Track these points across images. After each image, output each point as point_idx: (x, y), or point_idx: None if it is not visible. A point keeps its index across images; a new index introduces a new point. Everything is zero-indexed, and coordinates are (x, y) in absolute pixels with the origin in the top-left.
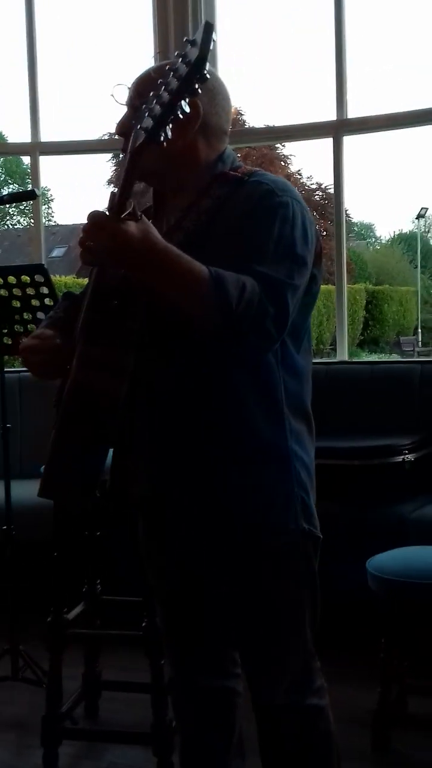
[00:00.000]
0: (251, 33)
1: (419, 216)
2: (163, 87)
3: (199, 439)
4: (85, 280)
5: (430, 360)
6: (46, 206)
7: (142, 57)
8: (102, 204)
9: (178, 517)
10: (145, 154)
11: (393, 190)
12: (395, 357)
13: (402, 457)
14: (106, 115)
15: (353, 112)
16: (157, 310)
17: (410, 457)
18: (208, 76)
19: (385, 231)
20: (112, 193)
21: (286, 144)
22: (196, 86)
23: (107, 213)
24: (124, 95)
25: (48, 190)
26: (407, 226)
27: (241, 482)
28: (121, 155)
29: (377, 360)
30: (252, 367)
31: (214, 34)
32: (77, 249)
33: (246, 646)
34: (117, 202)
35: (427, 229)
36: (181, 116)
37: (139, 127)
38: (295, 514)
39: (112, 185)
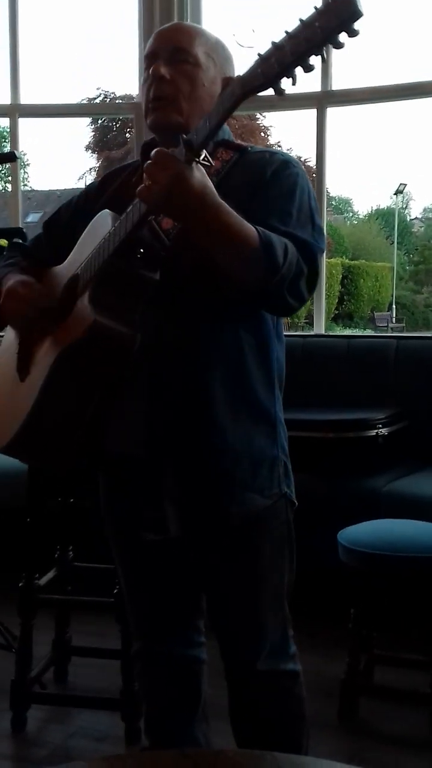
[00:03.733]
0: (236, 5)
1: (397, 192)
2: (302, 33)
3: (198, 400)
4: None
5: (406, 335)
6: (23, 171)
7: (126, 22)
8: (78, 169)
9: (166, 476)
10: (184, 109)
11: (372, 165)
12: (369, 332)
13: (376, 431)
14: (85, 80)
15: (337, 84)
16: (176, 266)
17: (384, 431)
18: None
19: (362, 206)
20: (183, 137)
21: (267, 115)
22: (322, 51)
23: (177, 152)
24: (248, 39)
25: (24, 155)
26: (385, 201)
27: (233, 443)
28: (99, 121)
29: (354, 334)
30: (255, 332)
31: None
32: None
33: (227, 612)
34: (199, 144)
35: (404, 205)
36: (306, 70)
37: (259, 70)
38: (279, 478)
39: (90, 151)
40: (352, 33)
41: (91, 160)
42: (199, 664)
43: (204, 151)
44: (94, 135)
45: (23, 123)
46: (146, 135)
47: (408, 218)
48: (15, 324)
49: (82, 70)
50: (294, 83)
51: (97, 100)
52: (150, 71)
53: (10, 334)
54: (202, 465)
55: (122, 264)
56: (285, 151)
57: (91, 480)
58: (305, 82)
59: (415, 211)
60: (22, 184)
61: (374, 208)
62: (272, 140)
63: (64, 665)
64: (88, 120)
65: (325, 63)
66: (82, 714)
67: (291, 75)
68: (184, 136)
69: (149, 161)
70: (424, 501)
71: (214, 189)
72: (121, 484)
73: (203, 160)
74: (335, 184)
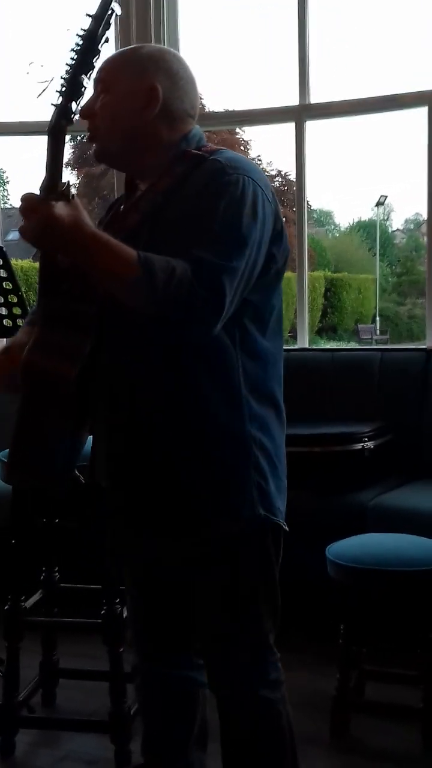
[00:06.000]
0: (213, 16)
1: (378, 204)
2: (68, 63)
3: (154, 425)
4: None
5: (390, 348)
6: (2, 188)
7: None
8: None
9: (137, 504)
10: (106, 137)
11: (352, 178)
12: (353, 345)
13: (362, 444)
14: None
15: (316, 97)
16: (100, 297)
17: (370, 444)
18: (101, 49)
19: (344, 218)
20: (45, 175)
21: (246, 130)
22: (94, 60)
23: (37, 194)
24: (38, 72)
25: (3, 172)
26: (366, 213)
27: (195, 466)
28: (79, 137)
29: (338, 347)
30: (207, 351)
31: (114, 5)
32: None
33: (200, 635)
34: (47, 183)
35: (386, 217)
36: (82, 91)
37: (54, 104)
38: (251, 500)
39: (70, 168)
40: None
41: (72, 177)
42: (197, 686)
43: (65, 184)
44: (73, 152)
45: (1, 141)
46: None
47: (390, 230)
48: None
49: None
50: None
51: (76, 117)
52: None
53: None
54: (162, 494)
55: (52, 301)
56: (241, 155)
57: (76, 501)
58: (283, 96)
59: (396, 223)
60: (1, 201)
61: (356, 220)
62: (252, 154)
63: (51, 688)
64: (67, 137)
65: (303, 77)
66: (71, 737)
67: (73, 100)
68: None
69: (21, 204)
70: (411, 514)
71: (86, 221)
72: (110, 509)
73: (61, 195)
74: (316, 197)
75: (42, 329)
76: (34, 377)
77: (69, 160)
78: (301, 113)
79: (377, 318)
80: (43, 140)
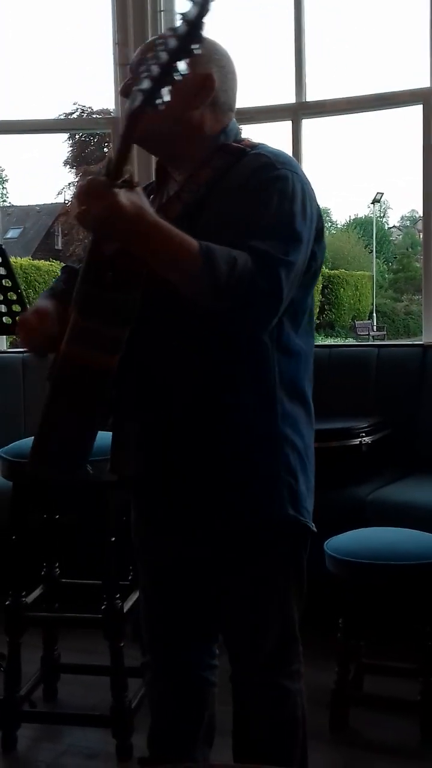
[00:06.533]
0: (210, 14)
1: (375, 201)
2: (162, 47)
3: (188, 420)
4: (41, 263)
5: (387, 344)
6: (1, 186)
7: (101, 36)
8: (57, 185)
9: (166, 499)
10: (153, 118)
11: (349, 175)
12: (350, 341)
13: (359, 439)
14: (61, 95)
15: (312, 95)
16: (151, 284)
17: (367, 439)
18: (204, 37)
19: (340, 216)
20: (108, 158)
21: (243, 127)
22: (193, 47)
23: (103, 179)
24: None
25: (2, 170)
26: (363, 210)
27: (226, 464)
28: (77, 136)
29: (335, 344)
30: (245, 347)
31: None
32: (32, 230)
33: (228, 626)
34: (114, 168)
35: (382, 214)
36: (177, 78)
37: (137, 89)
38: (281, 500)
39: (68, 166)
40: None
41: (70, 176)
42: (208, 686)
43: (128, 170)
44: (72, 150)
45: (0, 139)
46: None
47: (386, 227)
48: (29, 349)
49: (58, 85)
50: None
51: (74, 115)
52: None
53: None
54: (193, 487)
55: (93, 290)
56: (283, 151)
57: (77, 496)
58: (280, 94)
59: (393, 220)
60: (1, 199)
61: (352, 217)
62: None
63: (53, 683)
64: (65, 135)
65: (300, 75)
66: (73, 731)
67: (162, 86)
68: (110, 161)
69: (80, 189)
70: (408, 508)
71: (148, 208)
72: (139, 502)
73: (125, 181)
74: None
75: (80, 318)
76: (75, 368)
77: (67, 158)
78: (298, 111)
79: (374, 314)
80: (41, 139)
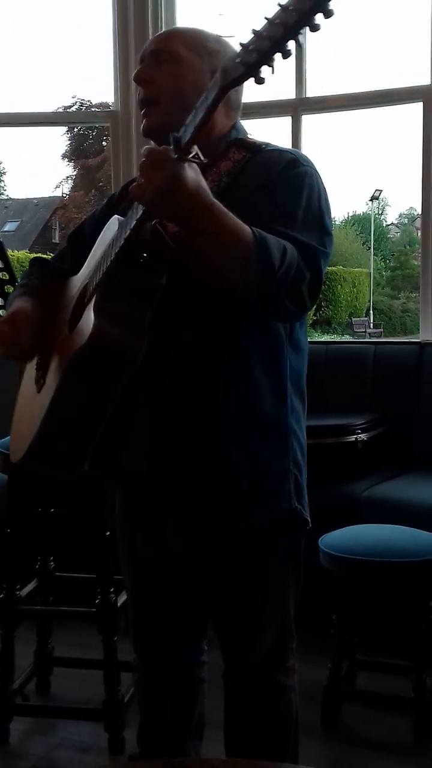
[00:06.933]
0: (210, 10)
1: (373, 198)
2: (278, 19)
3: (200, 411)
4: (39, 255)
5: (384, 341)
6: None
7: (100, 29)
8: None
9: (168, 491)
10: (170, 108)
11: (348, 172)
12: (347, 338)
13: (355, 436)
14: (60, 88)
15: (312, 91)
16: (181, 270)
17: (363, 436)
18: (331, 10)
19: (339, 212)
20: (173, 135)
21: (243, 122)
22: (299, 31)
23: (170, 149)
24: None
25: (0, 163)
26: (361, 207)
27: (239, 455)
28: (75, 129)
29: (332, 340)
30: (264, 338)
31: None
32: (30, 224)
33: (229, 621)
34: (188, 141)
35: (380, 211)
36: (284, 56)
37: (238, 60)
38: (288, 492)
39: (67, 159)
40: (327, 13)
41: (68, 169)
42: (198, 683)
43: (195, 148)
44: (70, 143)
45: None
46: (123, 143)
47: (384, 224)
48: (8, 357)
49: (57, 78)
50: (273, 71)
51: (73, 109)
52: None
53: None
54: (204, 480)
55: (125, 270)
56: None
57: (73, 489)
58: (280, 89)
59: (391, 217)
60: None
61: (350, 214)
62: None
63: (46, 676)
64: (64, 128)
65: (300, 71)
66: (66, 725)
67: (270, 62)
68: (174, 134)
69: (143, 160)
70: (403, 505)
71: (207, 188)
72: (130, 498)
73: (194, 157)
74: None
75: (106, 298)
76: (104, 353)
77: (65, 151)
78: (298, 107)
79: (371, 311)
80: (39, 132)
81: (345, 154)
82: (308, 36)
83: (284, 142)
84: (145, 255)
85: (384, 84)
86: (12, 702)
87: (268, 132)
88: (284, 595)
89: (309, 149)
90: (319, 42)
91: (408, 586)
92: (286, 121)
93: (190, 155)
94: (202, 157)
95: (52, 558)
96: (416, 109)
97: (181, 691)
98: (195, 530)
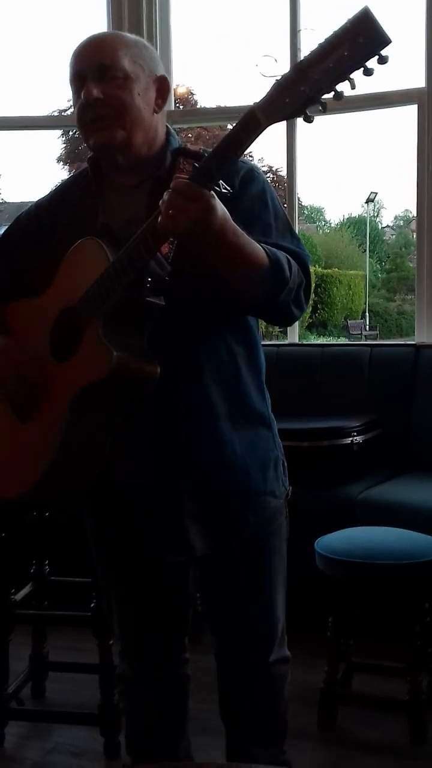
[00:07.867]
0: (205, 12)
1: (368, 200)
2: (347, 54)
3: (203, 417)
4: None
5: (380, 343)
6: None
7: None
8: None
9: (183, 497)
10: (133, 125)
11: (343, 174)
12: (343, 340)
13: (351, 438)
14: (55, 92)
15: None
16: (176, 288)
17: (359, 439)
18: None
19: (334, 215)
20: (197, 166)
21: None
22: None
23: (192, 182)
24: (270, 68)
25: None
26: (356, 210)
27: (242, 452)
28: (70, 132)
29: (328, 342)
30: (246, 339)
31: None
32: None
33: (223, 617)
34: (217, 170)
35: (376, 214)
36: (338, 92)
37: (287, 100)
38: (283, 477)
39: (62, 163)
40: (382, 60)
41: (63, 172)
42: (186, 681)
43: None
44: (65, 147)
45: None
46: None
47: (379, 226)
48: None
49: (51, 82)
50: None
51: (68, 112)
52: (82, 95)
53: None
54: (215, 480)
55: (132, 296)
56: (248, 159)
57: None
58: None
59: (386, 220)
60: None
61: (346, 216)
62: None
63: (41, 681)
64: (59, 132)
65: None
66: (61, 729)
67: (320, 102)
68: (196, 164)
69: (172, 192)
70: (399, 508)
71: (229, 215)
72: (121, 508)
73: (222, 188)
74: (307, 194)
75: (116, 326)
76: (125, 381)
77: (61, 155)
78: None
79: (367, 314)
80: (34, 135)
81: (340, 157)
82: (303, 38)
83: (279, 146)
84: (150, 279)
85: (379, 87)
86: (7, 706)
87: (263, 136)
88: (280, 580)
89: (303, 152)
90: (313, 44)
91: (404, 587)
92: (281, 124)
93: (219, 187)
94: (228, 188)
95: (46, 562)
96: (411, 111)
97: (171, 695)
98: (214, 529)
